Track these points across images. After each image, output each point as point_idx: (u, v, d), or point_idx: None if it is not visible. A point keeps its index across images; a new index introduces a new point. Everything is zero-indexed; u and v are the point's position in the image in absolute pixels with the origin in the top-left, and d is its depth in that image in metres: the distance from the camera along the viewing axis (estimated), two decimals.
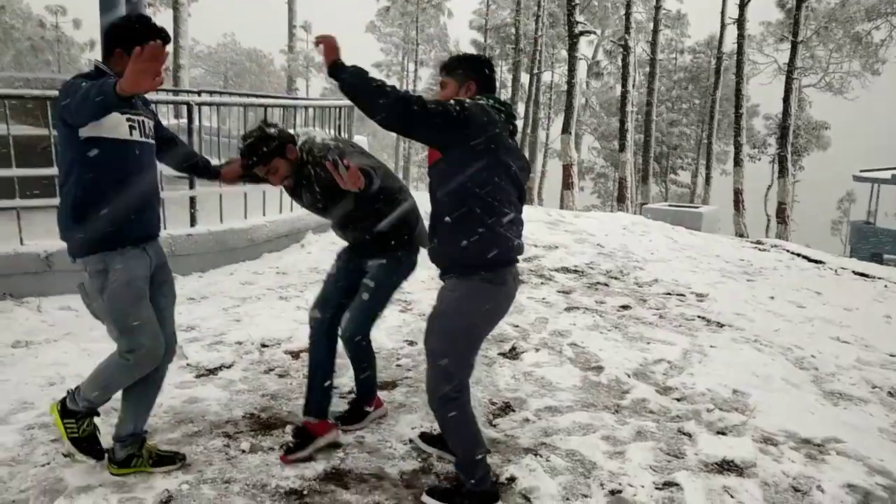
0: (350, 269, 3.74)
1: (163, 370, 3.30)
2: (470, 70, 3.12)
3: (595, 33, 36.83)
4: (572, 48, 20.98)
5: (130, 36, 2.84)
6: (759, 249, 11.11)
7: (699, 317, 6.30)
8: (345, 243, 3.84)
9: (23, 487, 3.10)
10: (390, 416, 4.00)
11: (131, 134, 3.01)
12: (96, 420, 3.35)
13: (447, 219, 2.95)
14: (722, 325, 6.07)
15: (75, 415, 3.26)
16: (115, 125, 2.94)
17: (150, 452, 3.35)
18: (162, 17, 32.54)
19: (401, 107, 2.71)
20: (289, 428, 3.77)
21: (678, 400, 4.46)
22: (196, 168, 3.68)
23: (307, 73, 44.54)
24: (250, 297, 6.09)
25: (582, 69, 35.60)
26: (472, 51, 43.35)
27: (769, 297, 7.46)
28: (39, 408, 3.87)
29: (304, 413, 3.63)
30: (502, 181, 2.94)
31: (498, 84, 35.13)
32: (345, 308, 3.70)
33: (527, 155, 30.43)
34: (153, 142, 3.20)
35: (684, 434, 3.97)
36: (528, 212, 12.30)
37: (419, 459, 3.55)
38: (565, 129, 20.99)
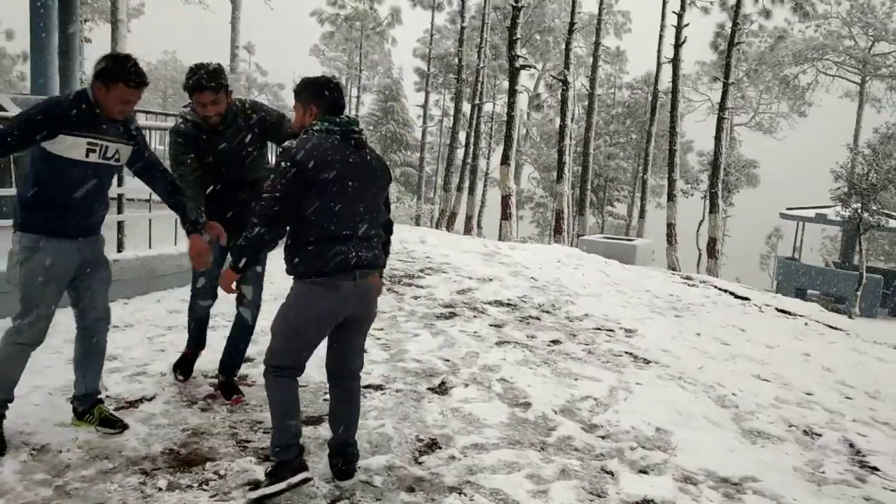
0: (226, 254, 4.26)
1: (101, 340, 4.02)
2: (311, 94, 3.47)
3: (535, 67, 37.55)
4: (513, 81, 21.31)
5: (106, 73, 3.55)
6: (689, 285, 11.39)
7: (627, 353, 6.41)
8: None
9: None
10: (314, 453, 3.94)
11: (87, 156, 3.61)
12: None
13: (288, 240, 3.47)
14: (648, 362, 6.19)
15: None
16: (71, 146, 3.54)
17: (101, 412, 3.98)
18: (99, 33, 31.95)
19: (265, 223, 3.33)
20: (209, 464, 3.70)
21: (603, 437, 4.52)
22: (177, 210, 4.20)
23: (249, 94, 44.16)
24: (177, 325, 5.96)
25: (523, 101, 36.23)
26: (415, 79, 43.73)
27: (695, 333, 7.64)
28: None
29: (187, 347, 4.83)
30: (335, 204, 3.33)
31: (440, 112, 35.29)
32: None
33: (467, 184, 30.73)
34: (115, 164, 3.81)
35: (607, 472, 4.02)
36: (463, 243, 12.36)
37: (343, 499, 3.50)
38: (504, 161, 21.23)
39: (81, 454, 3.72)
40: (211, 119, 4.11)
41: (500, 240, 18.08)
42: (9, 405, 3.78)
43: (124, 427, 3.97)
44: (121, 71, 3.54)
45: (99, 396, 4.09)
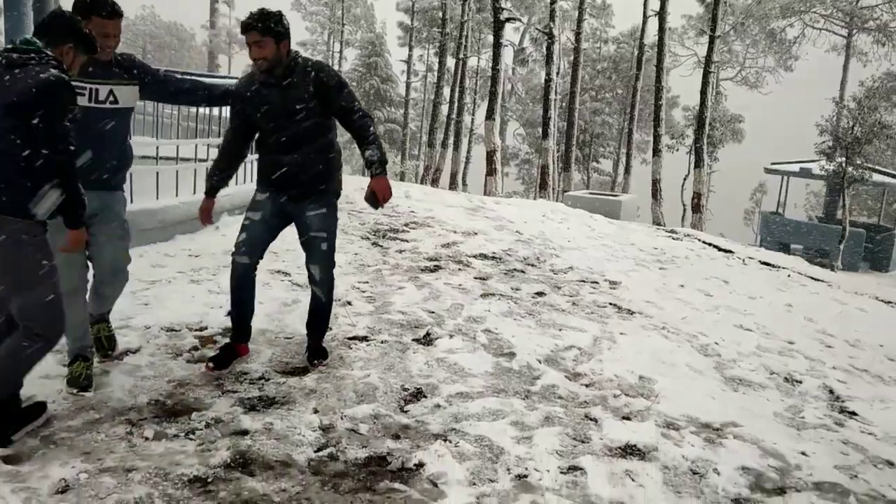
0: (280, 217, 4.22)
1: (107, 293, 4.15)
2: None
3: (521, 20, 37.06)
4: (497, 35, 21.09)
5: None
6: (673, 238, 11.45)
7: (611, 304, 6.46)
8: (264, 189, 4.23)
9: None
10: (299, 402, 3.96)
11: None
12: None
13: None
14: (632, 313, 6.24)
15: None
16: None
17: (75, 371, 3.89)
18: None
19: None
20: (195, 415, 3.71)
21: (587, 386, 4.57)
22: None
23: (230, 50, 43.50)
24: (160, 279, 5.94)
25: (508, 56, 35.89)
26: (399, 33, 43.16)
27: (679, 285, 7.70)
28: None
29: (233, 339, 4.39)
30: None
31: (424, 67, 34.94)
32: (264, 252, 4.28)
33: (451, 140, 30.53)
34: (113, 107, 3.75)
35: (591, 419, 4.07)
36: (448, 198, 12.34)
37: (329, 446, 3.53)
38: (489, 116, 21.11)
39: (67, 405, 3.72)
40: (257, 63, 3.92)
41: (485, 195, 18.05)
42: (94, 354, 4.05)
43: (84, 388, 3.83)
44: (92, 4, 3.56)
45: (85, 353, 3.94)
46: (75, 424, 3.55)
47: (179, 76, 4.31)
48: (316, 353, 4.51)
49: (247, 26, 3.83)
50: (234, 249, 4.24)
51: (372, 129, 4.02)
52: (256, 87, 4.06)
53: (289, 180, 4.12)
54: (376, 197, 3.97)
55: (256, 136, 4.27)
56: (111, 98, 3.72)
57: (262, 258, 4.31)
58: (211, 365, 4.17)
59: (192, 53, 55.41)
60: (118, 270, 4.07)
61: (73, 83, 3.32)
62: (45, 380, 3.94)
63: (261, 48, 3.84)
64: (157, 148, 7.45)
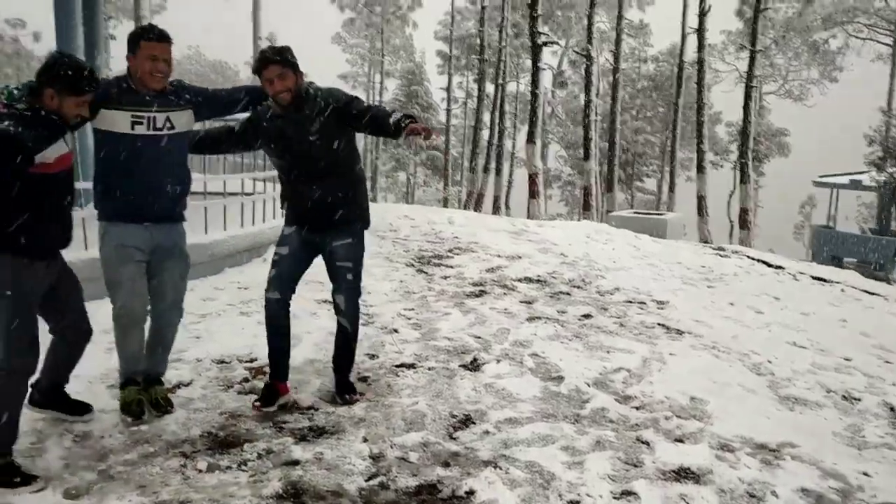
0: (308, 250, 4.20)
1: (166, 332, 4.13)
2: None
3: (558, 44, 37.21)
4: (535, 59, 21.15)
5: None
6: (721, 256, 11.27)
7: (659, 324, 6.37)
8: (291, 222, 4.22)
9: None
10: (349, 431, 3.98)
11: (133, 128, 3.71)
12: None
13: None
14: (681, 333, 6.15)
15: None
16: (116, 120, 3.69)
17: (127, 396, 4.00)
18: (123, 30, 32.23)
19: None
20: (247, 446, 3.76)
21: (637, 408, 4.50)
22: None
23: None
24: (211, 312, 6.04)
25: (547, 79, 35.94)
26: (438, 62, 43.58)
27: (729, 303, 7.57)
28: None
29: (272, 378, 4.27)
30: None
31: (464, 94, 35.15)
32: (295, 286, 4.24)
33: (493, 165, 30.60)
34: (171, 133, 3.81)
35: (643, 442, 4.01)
36: (491, 223, 12.37)
37: (379, 475, 3.54)
38: (530, 139, 21.13)
39: (123, 439, 3.80)
40: (280, 97, 3.92)
41: (528, 219, 18.02)
42: (138, 380, 4.07)
43: (137, 415, 3.94)
44: (140, 32, 3.74)
45: (136, 378, 4.04)
46: (131, 458, 3.62)
47: (225, 89, 4.37)
48: (344, 388, 4.43)
49: (267, 61, 3.87)
50: (266, 287, 4.20)
51: (388, 109, 4.02)
52: (271, 117, 4.06)
53: (313, 212, 4.11)
54: (418, 131, 3.84)
55: (244, 146, 4.38)
56: (168, 124, 3.80)
57: (293, 292, 4.26)
58: (258, 404, 4.17)
59: None
60: (176, 307, 4.12)
61: (133, 112, 3.68)
62: (101, 414, 4.04)
63: (283, 80, 3.87)
64: (205, 183, 7.62)
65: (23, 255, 3.30)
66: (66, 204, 3.51)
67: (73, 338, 3.81)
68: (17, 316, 3.32)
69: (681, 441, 4.05)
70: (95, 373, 4.55)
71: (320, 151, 4.00)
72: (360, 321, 5.93)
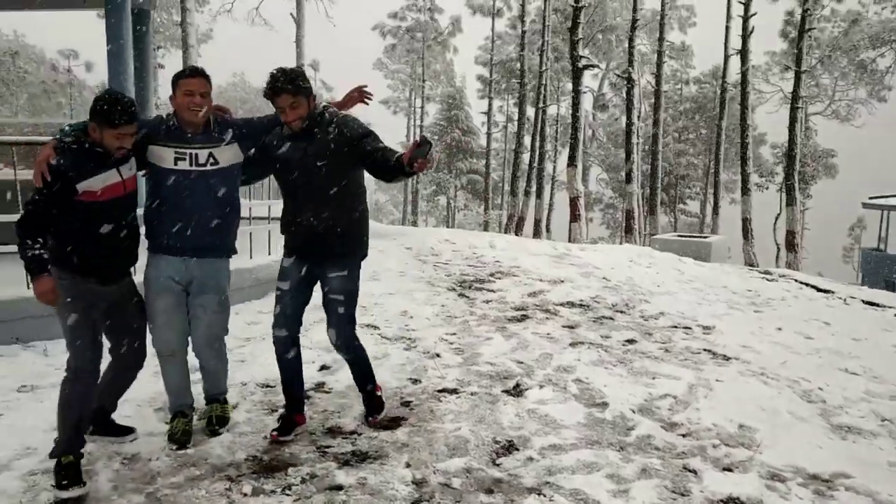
0: (307, 281, 4.12)
1: (206, 363, 4.20)
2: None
3: (599, 67, 37.16)
4: (576, 82, 21.16)
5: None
6: (767, 279, 11.07)
7: (705, 350, 6.27)
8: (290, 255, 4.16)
9: None
10: (392, 456, 3.98)
11: (176, 164, 3.84)
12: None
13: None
14: (728, 359, 6.03)
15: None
16: (161, 156, 3.85)
17: (175, 427, 4.10)
18: (171, 59, 33.08)
19: None
20: (291, 470, 3.78)
21: (684, 436, 4.42)
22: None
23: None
24: (255, 336, 6.11)
25: (588, 102, 35.92)
26: (478, 86, 43.79)
27: (776, 328, 7.41)
28: (42, 453, 3.86)
29: (288, 410, 4.28)
30: None
31: (504, 118, 35.13)
32: (301, 319, 4.19)
33: (534, 188, 30.56)
34: (215, 168, 3.91)
35: (690, 471, 3.93)
36: (532, 247, 12.32)
37: (423, 501, 3.53)
38: (571, 163, 21.07)
39: (170, 462, 3.85)
40: (293, 125, 3.87)
41: (569, 242, 17.93)
42: (193, 410, 4.27)
43: (182, 444, 4.02)
44: (177, 73, 3.88)
45: (184, 410, 4.18)
46: (177, 481, 3.67)
47: (265, 115, 4.33)
48: (371, 408, 4.47)
49: (277, 90, 3.78)
50: (272, 323, 4.19)
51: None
52: (282, 138, 4.03)
53: (310, 242, 4.04)
54: (423, 167, 3.58)
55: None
56: (211, 160, 3.89)
57: (300, 324, 4.22)
58: (275, 433, 4.14)
59: None
60: (211, 342, 4.10)
61: (176, 149, 3.83)
62: (149, 437, 4.10)
63: (295, 108, 3.82)
64: (250, 208, 7.73)
65: (76, 273, 3.58)
66: (118, 229, 3.69)
67: (126, 362, 3.95)
68: (77, 326, 3.60)
69: (729, 470, 3.96)
70: (144, 396, 4.63)
71: (325, 179, 3.93)
72: (402, 345, 5.98)
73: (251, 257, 7.37)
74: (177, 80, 3.84)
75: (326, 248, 4.01)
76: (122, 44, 8.35)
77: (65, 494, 3.45)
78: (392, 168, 3.72)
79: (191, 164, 3.85)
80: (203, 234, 3.92)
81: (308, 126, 3.90)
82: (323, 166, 3.89)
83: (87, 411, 3.72)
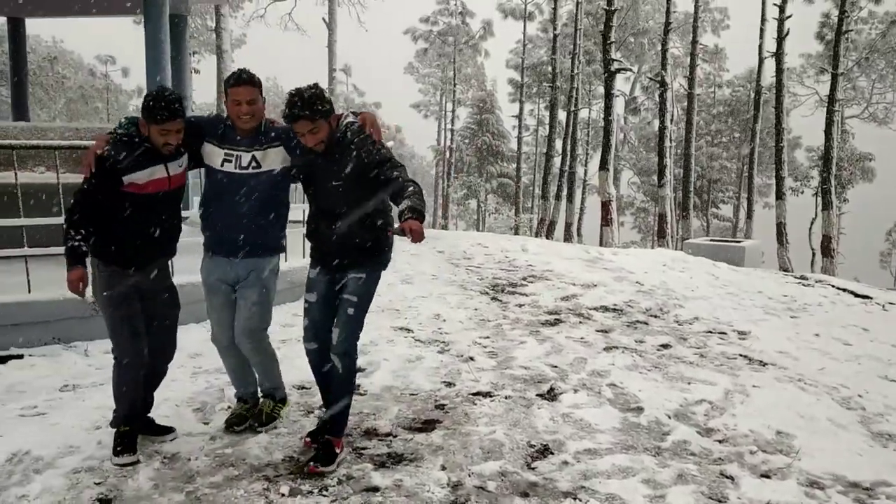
0: (334, 292, 4.00)
1: (250, 355, 4.20)
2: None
3: (631, 70, 36.92)
4: (609, 86, 21.06)
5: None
6: (803, 285, 10.91)
7: (741, 355, 6.21)
8: (315, 261, 4.07)
9: None
10: (427, 458, 3.99)
11: (222, 165, 3.94)
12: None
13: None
14: (765, 364, 5.97)
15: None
16: (212, 155, 3.96)
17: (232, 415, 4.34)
18: (206, 64, 33.51)
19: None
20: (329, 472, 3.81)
21: (720, 442, 4.39)
22: None
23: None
24: (290, 339, 6.16)
25: (619, 105, 35.72)
26: (509, 90, 43.74)
27: (814, 334, 7.32)
28: (86, 451, 3.95)
29: (329, 433, 3.98)
30: None
31: (535, 121, 35.00)
32: (331, 329, 3.98)
33: (565, 192, 30.45)
34: (257, 172, 3.96)
35: (727, 477, 3.90)
36: (565, 251, 12.26)
37: (458, 503, 3.54)
38: (603, 166, 20.98)
39: (209, 462, 3.90)
40: (316, 147, 3.74)
41: (600, 246, 17.83)
42: (256, 399, 4.42)
43: (229, 426, 4.26)
44: (227, 80, 3.92)
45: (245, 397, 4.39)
46: (216, 480, 3.72)
47: None
48: (319, 456, 3.88)
49: (295, 117, 3.61)
50: (303, 335, 4.11)
51: (412, 188, 3.59)
52: (304, 150, 3.87)
53: (334, 253, 3.93)
54: (406, 232, 3.37)
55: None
56: (253, 163, 3.95)
57: (331, 336, 3.94)
58: (308, 440, 4.12)
59: None
60: (248, 334, 4.09)
61: (226, 150, 3.93)
62: (188, 437, 4.16)
63: (315, 133, 3.68)
64: None
65: (114, 263, 3.78)
66: (159, 222, 3.88)
67: (154, 352, 4.01)
68: (118, 317, 3.81)
69: (767, 476, 3.93)
70: (182, 397, 4.71)
71: (343, 197, 3.82)
72: (436, 348, 6.00)
73: (286, 260, 7.42)
74: (226, 87, 3.90)
75: (348, 258, 3.91)
76: (161, 49, 8.49)
77: (118, 460, 3.79)
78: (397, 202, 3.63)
79: (235, 167, 3.94)
80: (245, 235, 4.00)
81: (328, 147, 3.78)
82: (339, 186, 3.80)
83: (138, 393, 3.96)
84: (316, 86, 3.70)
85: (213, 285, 4.11)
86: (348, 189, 3.80)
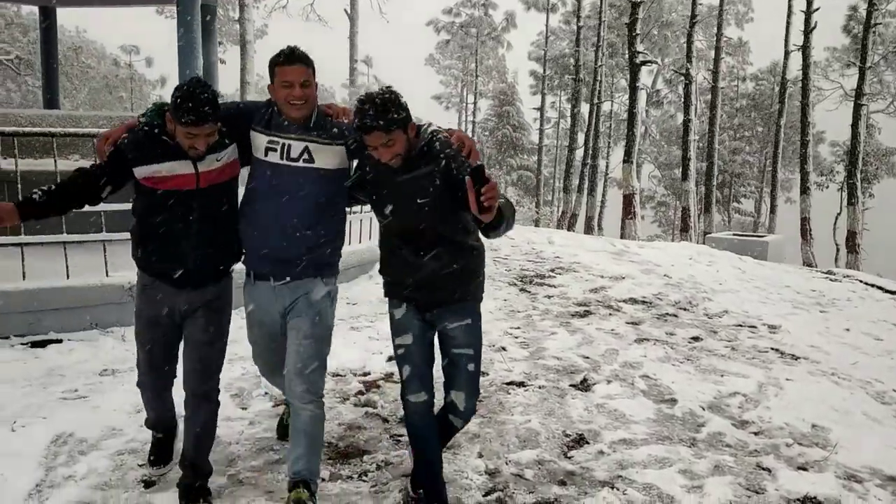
0: (427, 328, 3.31)
1: (303, 418, 3.21)
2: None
3: (656, 62, 36.66)
4: (633, 78, 20.95)
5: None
6: (831, 280, 10.84)
7: (772, 349, 6.18)
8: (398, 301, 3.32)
9: None
10: (464, 446, 4.03)
11: (266, 155, 3.19)
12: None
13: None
14: (797, 358, 5.95)
15: None
16: (256, 144, 3.23)
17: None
18: (230, 55, 33.68)
19: None
20: (366, 457, 3.86)
21: (755, 434, 4.39)
22: None
23: None
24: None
25: (642, 98, 35.48)
26: (531, 82, 43.57)
27: (844, 328, 7.28)
28: (128, 434, 4.01)
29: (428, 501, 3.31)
30: None
31: (556, 114, 34.84)
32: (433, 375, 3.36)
33: (586, 185, 30.34)
34: (308, 167, 3.19)
35: (763, 469, 3.91)
36: (591, 243, 12.25)
37: (496, 491, 3.57)
38: (627, 159, 20.90)
39: (249, 446, 3.96)
40: (392, 162, 3.04)
41: (622, 239, 17.77)
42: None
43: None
44: (273, 57, 3.16)
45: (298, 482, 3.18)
46: (257, 464, 3.78)
47: None
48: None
49: (368, 129, 2.93)
50: (402, 389, 3.34)
51: (503, 200, 2.94)
52: (374, 162, 3.16)
53: (421, 286, 3.22)
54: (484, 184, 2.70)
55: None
56: (305, 156, 3.17)
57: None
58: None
59: None
60: (301, 372, 3.21)
61: (270, 137, 3.17)
62: (228, 422, 4.21)
63: (390, 147, 2.98)
64: None
65: (145, 270, 3.28)
66: (190, 224, 3.14)
67: (190, 391, 3.36)
68: (138, 335, 3.36)
69: (804, 469, 3.92)
70: (223, 381, 4.75)
71: (430, 218, 3.12)
72: None
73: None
74: (273, 66, 3.13)
75: (440, 293, 3.23)
76: (193, 38, 8.50)
77: (150, 470, 3.61)
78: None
79: (281, 157, 3.16)
80: (292, 247, 3.20)
81: (407, 161, 3.08)
82: (425, 204, 3.09)
83: (162, 411, 3.57)
84: (389, 90, 3.02)
85: (255, 319, 3.38)
86: (438, 208, 3.10)
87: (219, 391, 3.41)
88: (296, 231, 3.19)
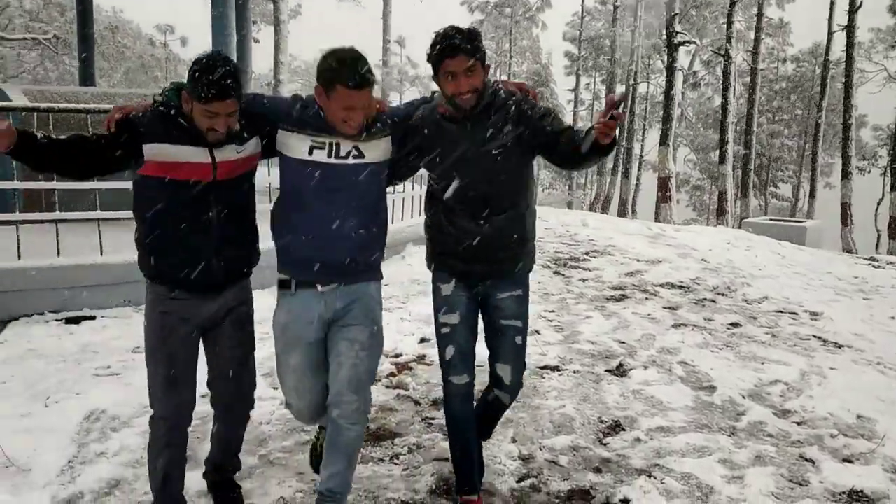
0: (475, 306, 3.16)
1: (344, 435, 2.89)
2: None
3: (696, 43, 36.02)
4: (671, 59, 20.57)
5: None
6: (874, 266, 10.57)
7: (815, 336, 6.01)
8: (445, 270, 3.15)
9: (147, 489, 3.19)
10: (497, 431, 3.94)
11: (311, 153, 2.87)
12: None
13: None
14: (840, 346, 5.78)
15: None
16: (294, 144, 2.89)
17: None
18: (264, 34, 33.73)
19: None
20: (398, 440, 3.80)
21: (798, 424, 4.25)
22: None
23: (401, 87, 45.16)
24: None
25: (679, 80, 34.96)
26: (565, 63, 43.10)
27: (889, 317, 7.07)
28: None
29: (459, 492, 3.20)
30: None
31: (591, 96, 34.48)
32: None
33: (621, 168, 29.97)
34: (359, 163, 2.90)
35: (807, 460, 3.78)
36: (626, 226, 12.08)
37: (530, 477, 3.50)
38: (663, 141, 20.58)
39: (280, 427, 3.93)
40: (464, 97, 2.83)
41: (658, 222, 17.53)
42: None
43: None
44: (337, 72, 2.72)
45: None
46: (288, 445, 3.75)
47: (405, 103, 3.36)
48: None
49: (454, 48, 2.76)
50: (444, 370, 3.16)
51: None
52: (437, 120, 2.99)
53: (478, 255, 3.02)
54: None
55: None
56: (354, 152, 2.89)
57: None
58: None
59: None
60: (357, 389, 2.92)
61: (314, 137, 2.86)
62: (259, 401, 4.16)
63: (471, 77, 2.81)
64: None
65: (158, 280, 2.88)
66: (207, 222, 2.80)
67: (220, 408, 3.18)
68: (151, 357, 2.96)
69: (849, 461, 3.79)
70: (258, 359, 4.72)
71: (502, 173, 2.96)
72: None
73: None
74: (335, 82, 2.72)
75: (498, 262, 3.07)
76: (226, 15, 8.49)
77: None
78: (579, 152, 2.71)
79: (331, 156, 2.88)
80: (345, 250, 2.92)
81: (482, 106, 2.92)
82: (499, 154, 2.92)
83: (175, 469, 3.00)
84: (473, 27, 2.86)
85: (293, 337, 3.00)
86: (510, 157, 2.94)
87: (254, 403, 3.26)
88: (352, 231, 2.92)
